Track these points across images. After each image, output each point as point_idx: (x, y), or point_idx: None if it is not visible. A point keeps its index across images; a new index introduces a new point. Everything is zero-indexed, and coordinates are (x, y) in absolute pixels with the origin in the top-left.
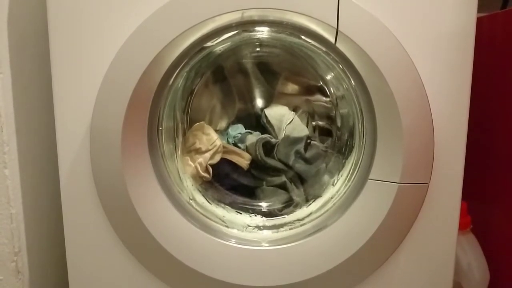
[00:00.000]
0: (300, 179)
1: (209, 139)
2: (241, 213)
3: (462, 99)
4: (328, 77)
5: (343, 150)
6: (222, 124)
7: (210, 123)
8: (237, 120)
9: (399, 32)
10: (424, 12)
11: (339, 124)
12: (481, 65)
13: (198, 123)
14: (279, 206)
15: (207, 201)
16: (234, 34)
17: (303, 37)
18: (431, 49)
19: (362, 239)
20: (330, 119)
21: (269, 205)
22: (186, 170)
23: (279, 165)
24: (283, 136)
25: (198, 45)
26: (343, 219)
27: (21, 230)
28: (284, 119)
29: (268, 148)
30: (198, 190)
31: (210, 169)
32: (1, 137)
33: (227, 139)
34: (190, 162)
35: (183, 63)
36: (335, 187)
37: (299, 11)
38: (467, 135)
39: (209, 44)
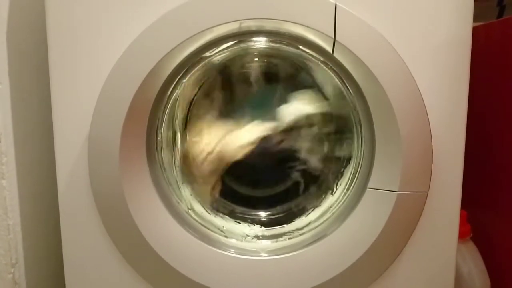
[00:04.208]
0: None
1: None
2: (240, 223)
3: (460, 107)
4: (326, 86)
5: (341, 159)
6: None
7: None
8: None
9: (396, 41)
10: (421, 21)
11: (337, 133)
12: (478, 73)
13: None
14: (278, 215)
15: (206, 210)
16: (232, 44)
17: (300, 46)
18: (428, 58)
19: (362, 248)
20: (328, 128)
21: (268, 215)
22: None
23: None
24: None
25: (197, 56)
26: (342, 228)
27: (19, 242)
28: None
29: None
30: (197, 199)
31: None
32: None
33: None
34: None
35: (181, 73)
36: (334, 196)
37: (296, 21)
38: (466, 143)
39: (207, 54)
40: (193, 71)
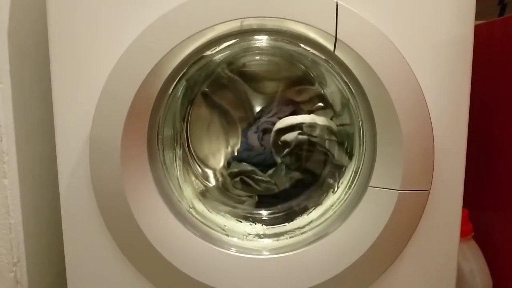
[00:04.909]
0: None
1: None
2: (241, 222)
3: (461, 106)
4: (328, 85)
5: (343, 158)
6: (221, 132)
7: (209, 132)
8: (236, 128)
9: (398, 39)
10: (423, 20)
11: (338, 131)
12: (480, 72)
13: None
14: (280, 214)
15: (207, 209)
16: (234, 42)
17: (302, 45)
18: (429, 57)
19: (363, 247)
20: (330, 126)
21: (270, 213)
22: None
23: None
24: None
25: (198, 54)
26: (343, 227)
27: (20, 240)
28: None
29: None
30: (198, 198)
31: None
32: (1, 147)
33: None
34: None
35: (182, 72)
36: (336, 195)
37: (298, 20)
38: (467, 141)
39: (208, 53)
40: (194, 70)
